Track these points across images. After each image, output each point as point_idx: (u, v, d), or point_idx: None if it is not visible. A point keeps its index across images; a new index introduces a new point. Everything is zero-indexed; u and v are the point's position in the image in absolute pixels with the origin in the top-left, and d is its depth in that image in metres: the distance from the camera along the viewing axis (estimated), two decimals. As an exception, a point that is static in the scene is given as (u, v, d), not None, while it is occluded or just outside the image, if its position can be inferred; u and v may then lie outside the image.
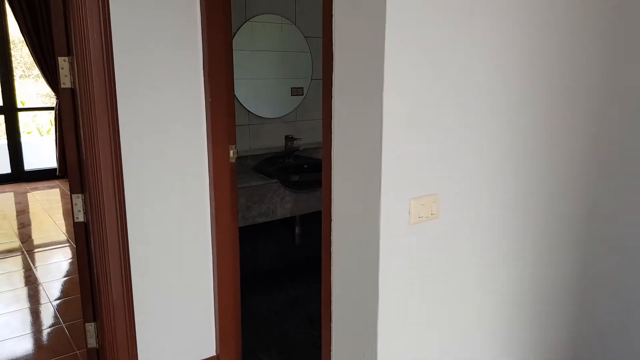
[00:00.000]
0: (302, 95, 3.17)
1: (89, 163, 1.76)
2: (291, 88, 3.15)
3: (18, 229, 4.29)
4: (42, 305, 2.89)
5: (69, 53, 1.94)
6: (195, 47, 1.93)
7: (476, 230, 1.50)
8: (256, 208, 2.64)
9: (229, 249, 2.07)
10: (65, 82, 1.92)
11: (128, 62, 1.79)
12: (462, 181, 1.42)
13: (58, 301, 2.93)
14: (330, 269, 1.48)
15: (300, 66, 3.17)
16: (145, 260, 1.92)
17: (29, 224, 4.42)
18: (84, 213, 1.86)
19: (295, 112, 3.17)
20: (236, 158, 2.06)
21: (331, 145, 1.38)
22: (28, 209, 4.92)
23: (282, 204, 2.75)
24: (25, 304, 2.91)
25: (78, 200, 1.84)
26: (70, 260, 3.57)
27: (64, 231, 4.21)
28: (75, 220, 1.85)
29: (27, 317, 2.76)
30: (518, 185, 1.58)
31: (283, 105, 3.12)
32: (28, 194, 5.51)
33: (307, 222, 3.23)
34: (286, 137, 2.96)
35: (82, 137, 1.84)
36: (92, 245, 1.87)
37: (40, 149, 6.60)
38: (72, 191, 1.87)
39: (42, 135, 7.49)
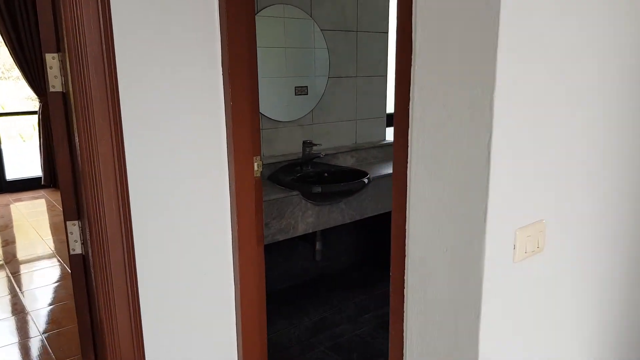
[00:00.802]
0: (320, 96, 2.85)
1: (87, 183, 1.43)
2: (306, 87, 2.84)
3: (2, 247, 3.91)
4: (31, 339, 2.54)
5: (58, 49, 1.61)
6: (213, 40, 1.60)
7: (581, 264, 1.21)
8: (275, 224, 2.32)
9: (253, 281, 1.75)
10: (55, 84, 1.59)
11: (132, 58, 1.46)
12: (567, 205, 1.13)
13: (49, 334, 2.58)
14: (402, 316, 1.18)
15: (317, 63, 2.85)
16: (158, 300, 1.59)
17: (13, 241, 4.04)
18: (82, 244, 1.53)
19: (312, 114, 2.85)
20: (261, 172, 1.75)
21: (406, 159, 1.07)
22: (12, 223, 4.53)
23: (304, 218, 2.44)
24: (12, 338, 2.55)
25: (74, 228, 1.51)
26: (60, 283, 3.21)
27: (52, 248, 3.85)
28: (71, 252, 1.52)
29: (15, 355, 2.40)
30: (626, 213, 1.29)
31: (298, 107, 2.80)
32: (11, 205, 5.11)
33: (328, 235, 2.93)
34: (304, 142, 2.64)
35: (77, 151, 1.50)
36: (93, 282, 1.54)
37: (23, 156, 6.18)
38: (66, 217, 1.54)
39: (24, 142, 7.06)
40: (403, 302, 1.15)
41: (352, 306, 2.74)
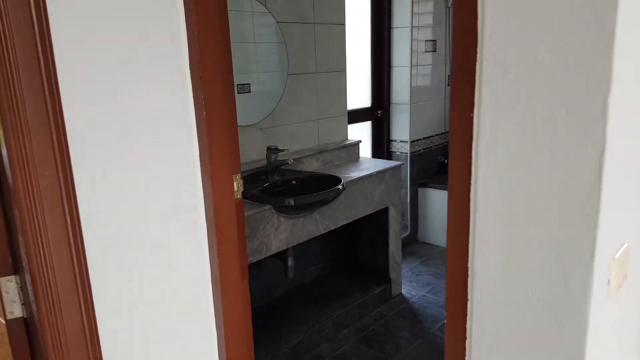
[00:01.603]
0: (280, 96, 2.58)
1: (26, 227, 1.09)
2: (262, 88, 2.56)
3: None
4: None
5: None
6: (177, 36, 1.30)
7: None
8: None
9: (241, 325, 1.48)
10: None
11: (74, 52, 1.13)
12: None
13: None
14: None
15: (273, 60, 2.57)
16: (127, 360, 1.27)
17: None
18: (22, 304, 1.18)
19: (272, 116, 2.57)
20: (242, 192, 1.46)
21: (467, 181, 0.85)
22: None
23: (277, 234, 2.17)
24: None
25: (10, 285, 1.15)
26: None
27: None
28: (8, 317, 1.17)
29: None
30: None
31: (256, 109, 2.51)
32: None
33: (296, 247, 2.67)
34: (268, 148, 2.37)
35: (8, 186, 1.15)
36: (41, 350, 1.20)
37: None
38: (-3, 270, 1.18)
39: None
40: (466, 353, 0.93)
41: (329, 323, 2.52)
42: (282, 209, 2.14)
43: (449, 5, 3.63)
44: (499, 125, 0.78)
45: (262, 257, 2.12)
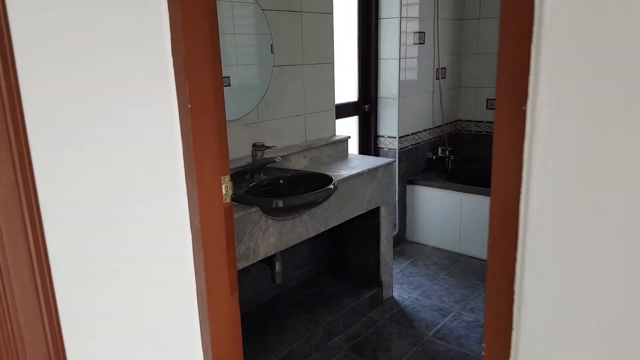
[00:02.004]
0: (265, 89, 2.41)
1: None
2: (245, 80, 2.39)
3: None
4: None
5: None
6: (158, 20, 1.12)
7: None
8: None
9: (230, 347, 1.32)
10: None
11: (36, 28, 0.95)
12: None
13: None
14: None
15: (258, 51, 2.40)
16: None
17: None
18: (-26, 332, 1.00)
19: (257, 110, 2.40)
20: (231, 195, 1.30)
21: (517, 181, 0.71)
22: None
23: (265, 238, 2.01)
24: None
25: (-41, 310, 0.97)
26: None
27: None
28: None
29: None
30: None
31: (240, 103, 2.34)
32: None
33: (285, 251, 2.52)
34: (254, 145, 2.20)
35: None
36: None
37: None
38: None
39: None
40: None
41: (320, 331, 2.37)
42: (270, 211, 1.98)
43: (438, -4, 3.51)
44: (561, 121, 0.64)
45: (249, 264, 1.95)
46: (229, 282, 1.31)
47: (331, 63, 2.79)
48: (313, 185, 2.23)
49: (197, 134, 1.18)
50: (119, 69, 1.09)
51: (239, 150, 2.33)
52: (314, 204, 2.06)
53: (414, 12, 3.37)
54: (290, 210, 2.03)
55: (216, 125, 1.22)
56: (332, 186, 2.11)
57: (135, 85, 1.12)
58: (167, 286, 1.24)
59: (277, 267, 2.27)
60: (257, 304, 2.57)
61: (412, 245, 3.55)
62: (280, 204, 1.93)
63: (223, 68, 2.27)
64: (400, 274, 3.12)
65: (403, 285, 2.97)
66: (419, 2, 3.40)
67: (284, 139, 2.56)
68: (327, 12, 2.71)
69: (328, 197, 2.12)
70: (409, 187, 3.57)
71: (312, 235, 2.23)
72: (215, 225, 1.26)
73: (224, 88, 2.31)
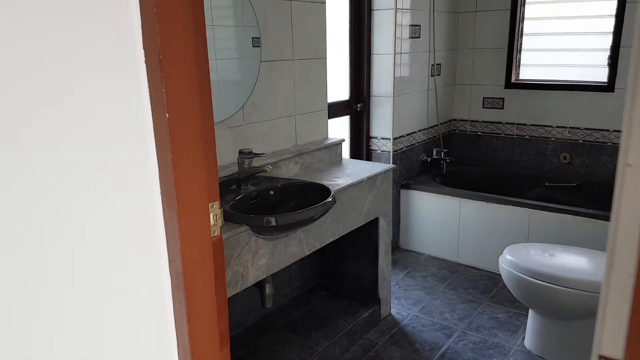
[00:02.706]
0: (252, 87, 2.14)
1: None
2: (230, 77, 2.11)
3: None
4: None
5: None
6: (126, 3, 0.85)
7: None
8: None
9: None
10: None
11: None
12: None
13: None
14: None
15: (243, 45, 2.12)
16: None
17: None
18: None
19: (243, 111, 2.13)
20: (221, 226, 1.03)
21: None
22: None
23: (255, 260, 1.75)
24: None
25: None
26: None
27: None
28: None
29: None
30: None
31: (224, 103, 2.06)
32: None
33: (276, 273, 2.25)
34: (241, 152, 1.93)
35: None
36: None
37: None
38: None
39: None
40: None
41: (315, 359, 2.12)
42: (261, 230, 1.72)
43: (434, -13, 3.28)
44: None
45: (237, 292, 1.69)
46: (218, 334, 1.05)
47: (324, 58, 2.53)
48: (308, 197, 1.97)
49: (177, 151, 0.91)
50: (76, 72, 0.81)
51: (223, 158, 2.05)
52: (310, 220, 1.80)
53: (409, 3, 3.13)
54: (284, 228, 1.76)
55: (202, 138, 0.95)
56: (330, 199, 1.86)
57: (96, 89, 0.84)
58: (142, 340, 0.97)
59: (268, 290, 2.00)
60: (243, 327, 2.30)
61: (407, 254, 3.32)
62: (273, 222, 1.67)
63: (237, 63, 2.00)
64: (397, 286, 2.89)
65: (401, 300, 2.74)
66: (412, -7, 3.16)
67: (272, 143, 2.29)
68: (319, 1, 2.45)
69: (326, 211, 1.86)
70: (403, 192, 3.34)
71: (307, 254, 1.98)
72: (202, 265, 0.99)
73: (245, 91, 2.05)
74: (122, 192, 0.90)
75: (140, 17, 0.87)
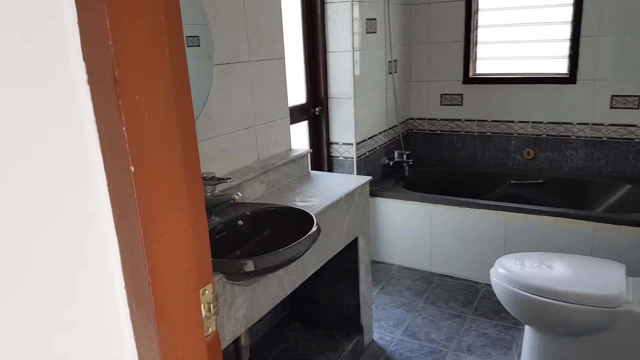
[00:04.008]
0: (205, 97, 1.78)
1: None
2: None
3: None
4: None
5: None
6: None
7: None
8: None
9: None
10: None
11: None
12: None
13: None
14: None
15: (194, 46, 1.76)
16: None
17: None
18: None
19: (198, 125, 1.77)
20: (216, 319, 0.70)
21: None
22: None
23: (232, 314, 1.41)
24: None
25: None
26: None
27: None
28: None
29: None
30: None
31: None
32: None
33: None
34: (203, 178, 1.57)
35: None
36: None
37: None
38: None
39: None
40: None
41: (300, 410, 1.82)
42: (236, 276, 1.38)
43: (387, -22, 3.04)
44: None
45: (213, 356, 1.34)
46: None
47: (282, 58, 2.21)
48: (283, 225, 1.66)
49: (152, 222, 0.57)
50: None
51: (177, 184, 1.68)
52: (295, 258, 1.49)
53: (363, -4, 2.87)
54: (265, 272, 1.44)
55: (188, 197, 0.61)
56: (314, 229, 1.55)
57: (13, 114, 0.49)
58: None
59: (244, 340, 1.67)
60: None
61: (377, 265, 3.08)
62: (251, 266, 1.34)
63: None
64: (374, 305, 2.63)
65: (381, 322, 2.49)
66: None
67: (232, 160, 1.94)
68: (274, -6, 2.12)
69: (312, 244, 1.55)
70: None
71: (288, 293, 1.66)
72: (193, 382, 0.66)
73: (199, 101, 1.67)
74: (67, 289, 0.55)
75: (75, 9, 0.52)
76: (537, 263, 2.05)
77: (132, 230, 0.57)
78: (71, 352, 0.57)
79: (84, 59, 0.54)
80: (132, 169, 0.54)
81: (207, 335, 0.69)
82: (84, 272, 0.57)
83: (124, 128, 0.53)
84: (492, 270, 2.11)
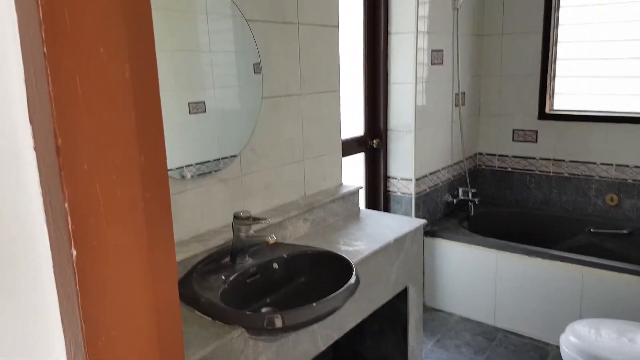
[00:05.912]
0: (251, 129, 1.71)
1: None
2: (227, 118, 1.68)
3: None
4: None
5: None
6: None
7: None
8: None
9: None
10: None
11: None
12: None
13: None
14: None
15: (240, 76, 1.70)
16: None
17: None
18: None
19: (240, 158, 1.69)
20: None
21: None
22: None
23: (254, 372, 1.28)
24: None
25: None
26: None
27: None
28: None
29: None
30: None
31: (214, 152, 1.63)
32: None
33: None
34: (236, 217, 1.48)
35: None
36: None
37: None
38: None
39: None
40: None
41: None
42: (261, 332, 1.26)
43: (458, 7, 2.87)
44: None
45: (230, 418, 1.22)
46: None
47: (337, 91, 2.10)
48: (321, 271, 1.53)
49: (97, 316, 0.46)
50: None
51: (215, 219, 1.61)
52: (329, 313, 1.34)
53: (430, 25, 2.72)
54: (294, 328, 1.30)
55: (153, 290, 0.50)
56: (353, 280, 1.41)
57: None
58: None
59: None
60: None
61: (434, 314, 2.84)
62: (279, 323, 1.22)
63: (231, 97, 1.57)
64: (425, 360, 2.41)
65: (432, 381, 2.26)
66: (434, 14, 2.75)
67: (276, 196, 1.85)
68: (332, 25, 2.03)
69: (349, 297, 1.40)
70: (427, 240, 2.88)
71: (322, 349, 1.52)
72: None
73: (243, 132, 1.62)
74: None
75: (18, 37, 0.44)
76: (616, 334, 1.76)
77: (74, 321, 0.46)
78: None
79: (30, 122, 0.45)
80: (74, 251, 0.44)
81: None
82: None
83: (66, 204, 0.43)
84: (562, 337, 1.84)
